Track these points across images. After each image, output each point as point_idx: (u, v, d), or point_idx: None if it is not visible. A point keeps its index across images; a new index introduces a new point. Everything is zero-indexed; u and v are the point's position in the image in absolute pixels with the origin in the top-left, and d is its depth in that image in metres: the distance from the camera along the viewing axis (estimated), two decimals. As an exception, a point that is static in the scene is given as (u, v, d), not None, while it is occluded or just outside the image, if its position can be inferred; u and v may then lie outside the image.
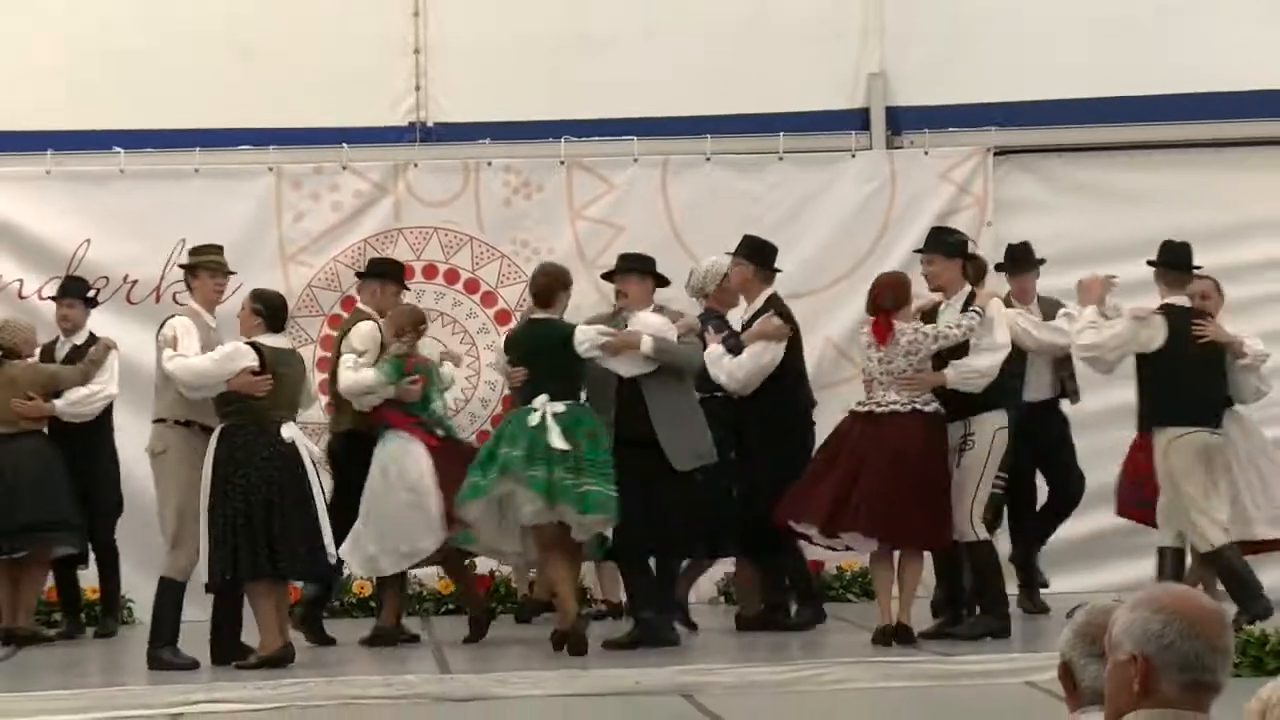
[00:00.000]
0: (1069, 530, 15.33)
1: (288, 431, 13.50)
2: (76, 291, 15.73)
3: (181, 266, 14.66)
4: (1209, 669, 4.71)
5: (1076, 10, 17.09)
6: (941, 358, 13.92)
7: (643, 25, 17.05)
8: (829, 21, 17.16)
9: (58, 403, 15.15)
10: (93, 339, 15.49)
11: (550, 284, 14.33)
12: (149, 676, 13.47)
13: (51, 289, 16.42)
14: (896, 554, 14.04)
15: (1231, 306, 14.79)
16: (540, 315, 14.31)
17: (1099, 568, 15.33)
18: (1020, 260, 15.40)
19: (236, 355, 13.50)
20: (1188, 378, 13.94)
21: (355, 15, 17.00)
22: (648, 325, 14.07)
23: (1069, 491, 15.21)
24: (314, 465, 13.63)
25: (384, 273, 15.30)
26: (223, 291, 14.32)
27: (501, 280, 16.82)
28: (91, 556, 15.46)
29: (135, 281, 16.46)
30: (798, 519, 13.98)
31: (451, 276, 16.81)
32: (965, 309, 13.95)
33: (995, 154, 17.13)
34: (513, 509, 13.87)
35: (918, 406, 13.88)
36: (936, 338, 13.90)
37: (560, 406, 13.90)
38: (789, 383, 14.53)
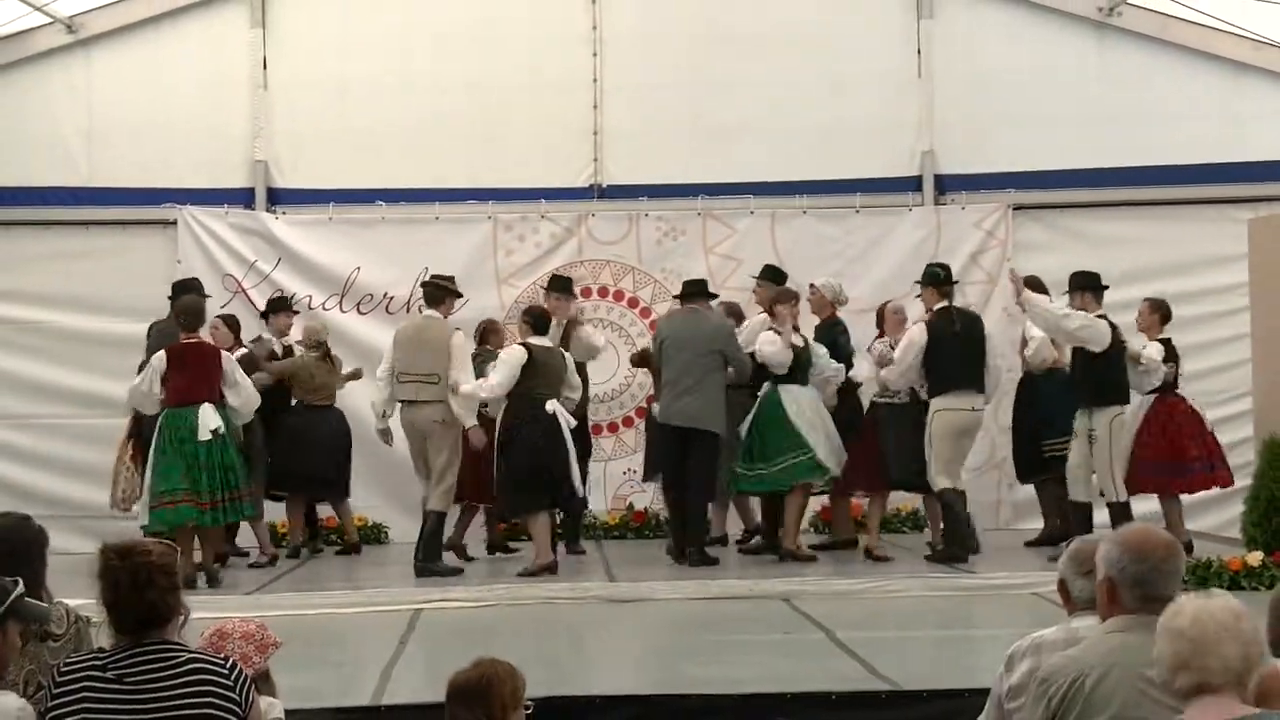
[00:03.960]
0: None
1: (550, 405, 13.51)
2: (285, 306, 15.70)
3: (441, 287, 14.27)
4: (1155, 585, 4.77)
5: (1071, 108, 16.96)
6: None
7: (758, 117, 16.94)
8: (893, 115, 17.06)
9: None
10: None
11: None
12: (400, 581, 13.43)
13: (332, 303, 16.69)
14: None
15: (1183, 321, 14.71)
16: None
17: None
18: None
19: (514, 359, 13.59)
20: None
21: (552, 108, 16.97)
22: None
23: None
24: (568, 430, 13.57)
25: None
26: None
27: (654, 299, 16.82)
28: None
29: (392, 297, 16.59)
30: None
31: (618, 296, 16.84)
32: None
33: (1014, 209, 17.00)
34: None
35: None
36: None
37: None
38: None
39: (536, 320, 13.97)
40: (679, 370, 13.99)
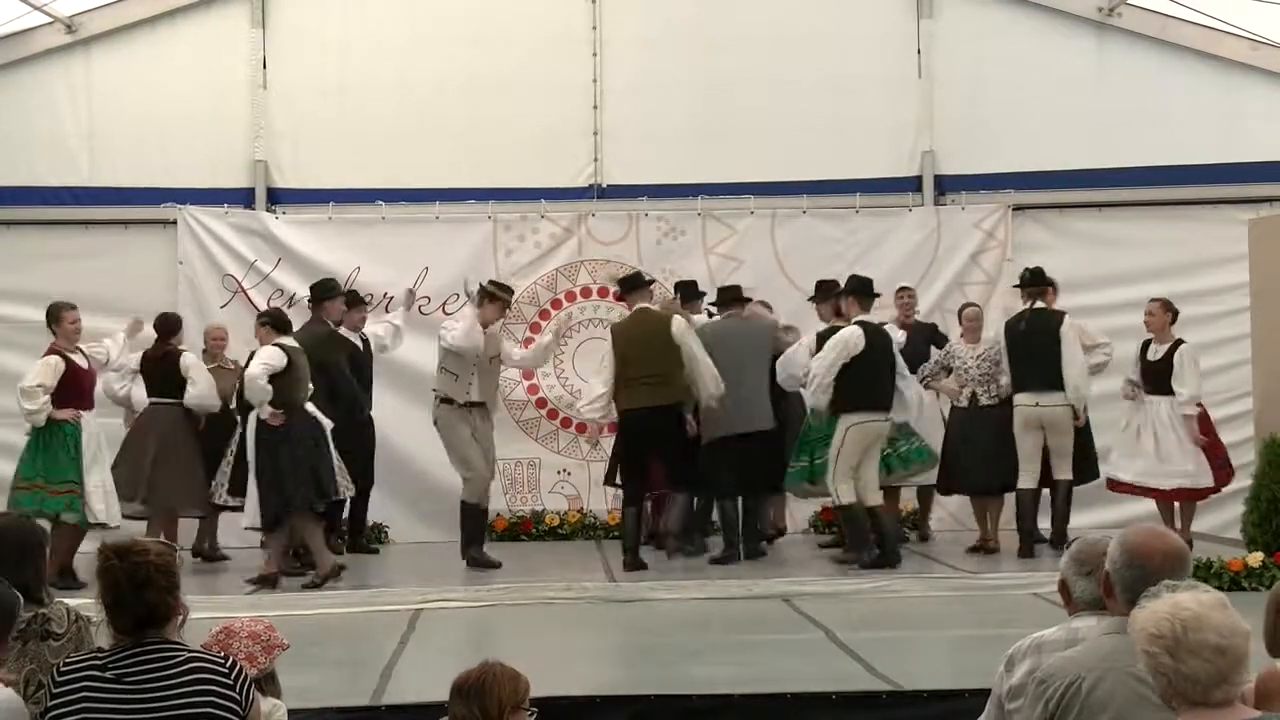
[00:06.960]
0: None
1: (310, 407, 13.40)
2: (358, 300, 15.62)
3: (482, 290, 14.41)
4: (1143, 592, 4.76)
5: (1071, 108, 16.96)
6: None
7: (758, 117, 16.95)
8: (893, 115, 17.08)
9: None
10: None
11: None
12: (400, 581, 13.43)
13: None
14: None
15: (1184, 321, 14.68)
16: None
17: (1092, 511, 15.18)
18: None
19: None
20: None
21: (552, 108, 16.98)
22: None
23: None
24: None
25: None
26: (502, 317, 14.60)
27: (655, 298, 16.77)
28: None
29: (392, 297, 16.51)
30: None
31: (619, 296, 16.76)
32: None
33: (1014, 209, 17.01)
34: None
35: None
36: None
37: None
38: None
39: (276, 320, 13.69)
40: (732, 377, 13.89)
